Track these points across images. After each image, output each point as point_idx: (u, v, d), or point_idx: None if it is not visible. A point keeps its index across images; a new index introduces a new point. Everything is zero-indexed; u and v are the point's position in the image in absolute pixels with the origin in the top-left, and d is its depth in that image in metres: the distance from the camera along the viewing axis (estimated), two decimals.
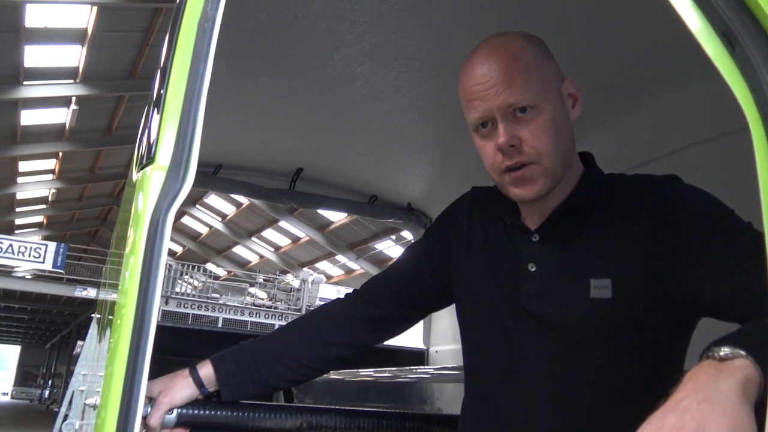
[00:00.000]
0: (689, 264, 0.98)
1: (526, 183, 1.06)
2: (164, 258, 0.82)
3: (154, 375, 0.96)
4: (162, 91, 0.89)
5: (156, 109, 0.92)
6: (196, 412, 1.16)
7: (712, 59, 0.65)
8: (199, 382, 1.19)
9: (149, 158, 0.88)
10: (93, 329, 4.28)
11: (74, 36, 13.80)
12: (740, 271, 0.90)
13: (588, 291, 1.05)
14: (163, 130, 0.85)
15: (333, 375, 2.81)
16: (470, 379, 1.22)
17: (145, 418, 1.12)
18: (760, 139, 0.60)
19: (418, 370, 2.54)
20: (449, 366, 2.60)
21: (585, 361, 1.05)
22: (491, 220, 1.21)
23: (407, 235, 3.19)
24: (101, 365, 1.30)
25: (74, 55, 14.61)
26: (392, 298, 1.31)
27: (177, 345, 2.98)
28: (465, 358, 1.25)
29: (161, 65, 0.97)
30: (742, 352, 0.71)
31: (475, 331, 1.20)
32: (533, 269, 1.10)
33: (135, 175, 1.04)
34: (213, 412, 1.17)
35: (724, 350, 0.72)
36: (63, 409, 5.71)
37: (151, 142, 0.90)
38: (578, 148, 1.15)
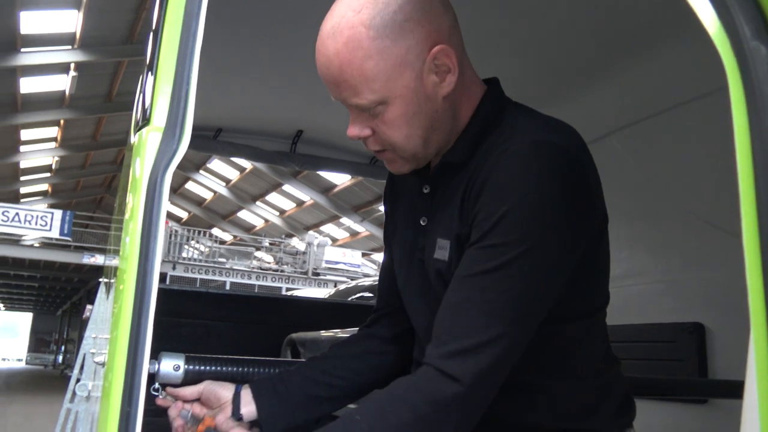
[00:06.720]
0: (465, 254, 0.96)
1: (389, 164, 1.06)
2: (163, 218, 0.83)
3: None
4: (155, 53, 0.89)
5: (150, 72, 0.93)
6: (202, 368, 1.19)
7: (694, 10, 0.65)
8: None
9: (145, 120, 0.88)
10: (101, 293, 4.35)
11: (69, 0, 13.65)
12: (456, 302, 0.94)
13: (434, 250, 1.03)
14: (157, 91, 0.86)
15: (339, 332, 2.86)
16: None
17: (152, 375, 1.15)
18: (736, 86, 0.60)
19: None
20: None
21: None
22: (408, 179, 1.16)
23: None
24: (108, 328, 1.32)
25: (71, 21, 14.45)
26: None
27: (184, 307, 3.03)
28: None
29: (153, 27, 0.97)
30: None
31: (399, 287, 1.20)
32: (424, 223, 1.09)
33: (132, 139, 1.05)
34: (219, 368, 1.20)
35: None
36: (75, 372, 5.83)
37: (146, 104, 0.91)
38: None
